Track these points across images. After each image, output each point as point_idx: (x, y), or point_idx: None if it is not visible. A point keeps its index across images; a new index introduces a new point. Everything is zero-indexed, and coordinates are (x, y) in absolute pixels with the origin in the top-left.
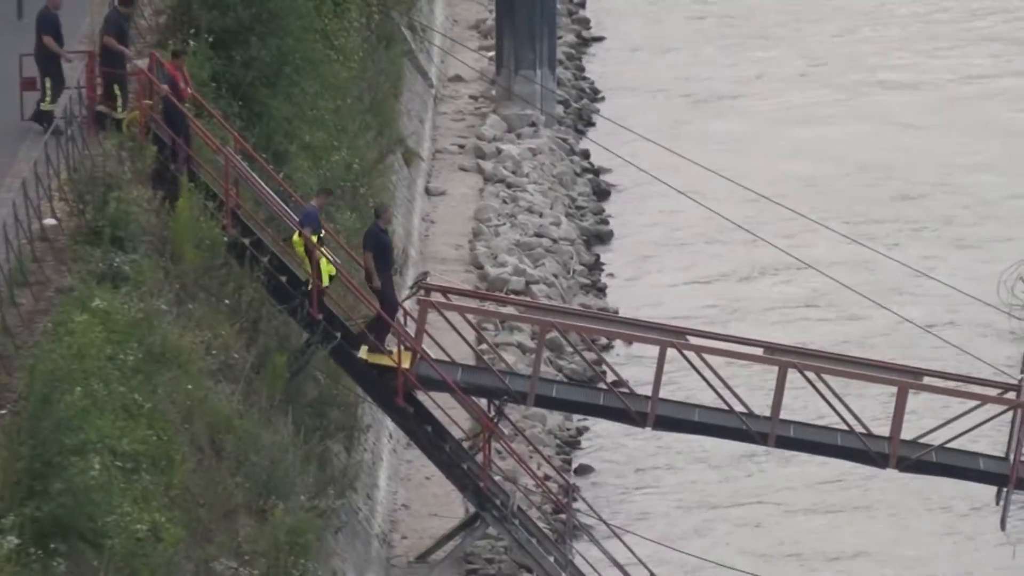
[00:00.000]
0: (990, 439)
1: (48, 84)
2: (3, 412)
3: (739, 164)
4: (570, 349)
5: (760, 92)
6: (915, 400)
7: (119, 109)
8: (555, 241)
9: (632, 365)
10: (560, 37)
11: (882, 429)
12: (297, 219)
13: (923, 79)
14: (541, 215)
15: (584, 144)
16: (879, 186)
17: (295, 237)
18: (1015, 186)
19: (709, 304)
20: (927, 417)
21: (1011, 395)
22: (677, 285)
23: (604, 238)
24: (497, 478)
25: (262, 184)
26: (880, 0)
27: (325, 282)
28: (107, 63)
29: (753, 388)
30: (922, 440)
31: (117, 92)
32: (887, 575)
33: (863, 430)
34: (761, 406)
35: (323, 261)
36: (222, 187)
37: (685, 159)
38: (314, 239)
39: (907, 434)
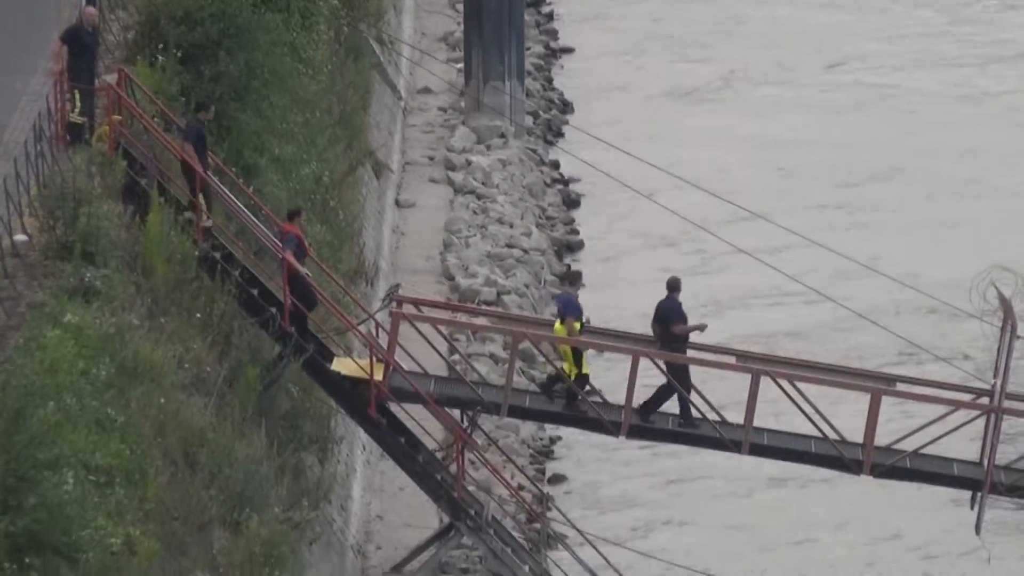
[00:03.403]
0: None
1: (78, 96)
2: None
3: (708, 160)
4: (542, 359)
5: (725, 88)
6: (888, 405)
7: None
8: (526, 252)
9: (604, 374)
10: (528, 48)
11: (855, 435)
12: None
13: (882, 64)
14: (511, 226)
15: (554, 154)
16: (850, 174)
17: (557, 326)
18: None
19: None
20: (901, 422)
21: (984, 400)
22: (648, 291)
23: (574, 248)
24: (471, 488)
25: (232, 198)
26: None
27: (586, 370)
28: (185, 171)
29: (726, 395)
30: (896, 446)
31: (202, 200)
32: None
33: (836, 437)
34: (734, 414)
35: (584, 355)
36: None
37: (651, 165)
38: (576, 327)
39: (880, 440)
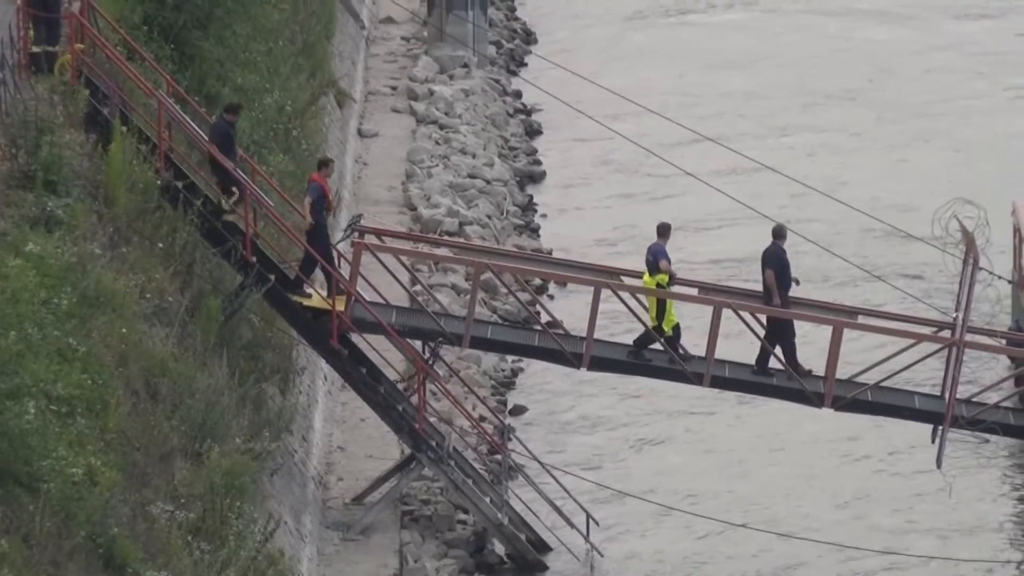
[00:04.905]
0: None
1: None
2: None
3: (671, 86)
4: (504, 290)
5: (688, 13)
6: (851, 338)
7: (227, 206)
8: (488, 182)
9: (567, 306)
10: None
11: (817, 368)
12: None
13: None
14: (474, 156)
15: (516, 84)
16: (811, 97)
17: (646, 278)
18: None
19: (642, 240)
20: (863, 355)
21: (946, 333)
22: (608, 217)
23: (537, 178)
24: (432, 419)
25: (195, 127)
26: None
27: (668, 331)
28: (214, 170)
29: (688, 328)
30: (857, 379)
31: (233, 191)
32: (825, 513)
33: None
34: (697, 346)
35: (671, 307)
36: (155, 130)
37: (612, 92)
38: (665, 279)
39: (842, 373)
